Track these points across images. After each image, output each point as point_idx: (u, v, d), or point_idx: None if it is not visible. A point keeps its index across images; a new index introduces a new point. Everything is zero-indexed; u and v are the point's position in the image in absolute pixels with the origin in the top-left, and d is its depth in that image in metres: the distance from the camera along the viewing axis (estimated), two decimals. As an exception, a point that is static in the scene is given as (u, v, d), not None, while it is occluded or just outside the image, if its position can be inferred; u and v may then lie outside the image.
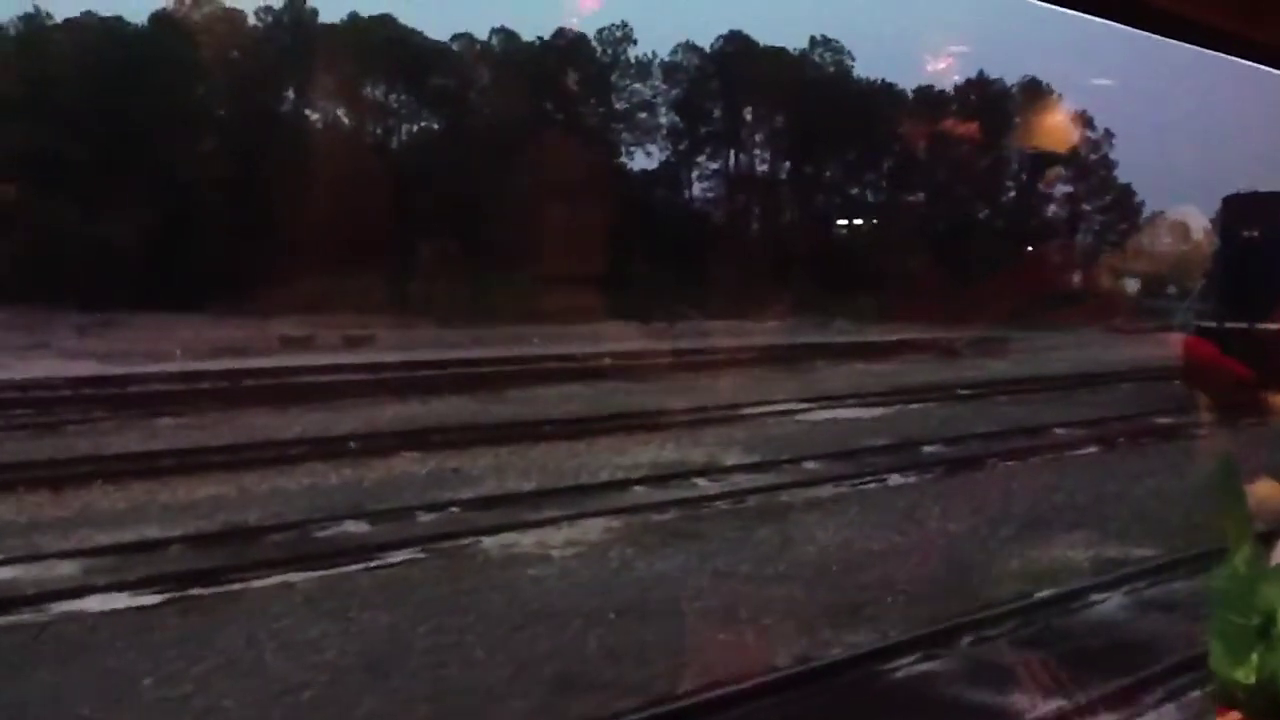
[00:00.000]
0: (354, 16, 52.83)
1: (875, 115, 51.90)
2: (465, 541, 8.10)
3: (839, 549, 7.95)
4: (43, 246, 34.72)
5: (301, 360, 22.06)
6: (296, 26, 53.95)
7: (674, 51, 50.78)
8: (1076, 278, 51.09)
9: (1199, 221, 15.82)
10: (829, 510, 9.35)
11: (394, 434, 12.92)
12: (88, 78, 43.66)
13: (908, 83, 53.24)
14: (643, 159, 52.81)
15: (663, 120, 51.73)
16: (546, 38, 49.18)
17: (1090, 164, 54.32)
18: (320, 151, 46.16)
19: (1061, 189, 52.61)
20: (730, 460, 11.77)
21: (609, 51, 51.63)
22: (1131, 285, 37.07)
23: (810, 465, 11.49)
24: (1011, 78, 53.90)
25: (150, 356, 23.25)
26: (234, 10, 49.64)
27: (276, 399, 16.09)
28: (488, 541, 8.10)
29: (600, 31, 51.12)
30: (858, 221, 54.41)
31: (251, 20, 52.05)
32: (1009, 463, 11.83)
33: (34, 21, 52.13)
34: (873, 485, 10.52)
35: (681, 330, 31.51)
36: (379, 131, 54.58)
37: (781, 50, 51.10)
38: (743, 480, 10.65)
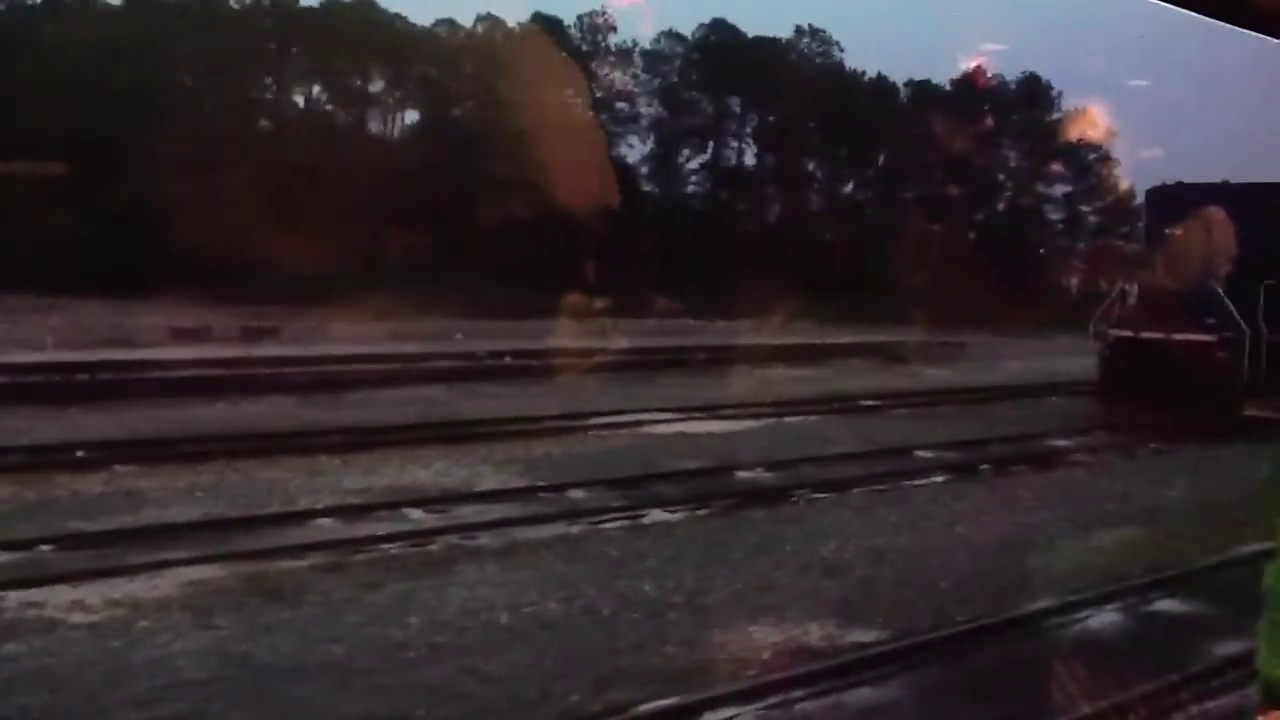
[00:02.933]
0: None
1: (866, 110, 49.71)
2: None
3: (452, 622, 6.02)
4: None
5: (164, 354, 20.35)
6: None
7: (655, 40, 48.86)
8: (1076, 280, 48.74)
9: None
10: (517, 559, 7.42)
11: (126, 443, 11.11)
12: (67, 57, 42.58)
13: (899, 76, 50.99)
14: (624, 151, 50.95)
15: (643, 110, 49.85)
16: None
17: (1096, 162, 51.82)
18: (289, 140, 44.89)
19: (1061, 188, 50.17)
20: (486, 484, 9.87)
21: (588, 39, 49.77)
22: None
23: (576, 494, 9.55)
24: (1013, 74, 51.59)
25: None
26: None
27: (65, 397, 14.41)
28: (15, 597, 6.23)
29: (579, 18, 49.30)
30: (848, 220, 52.16)
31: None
32: (819, 495, 9.83)
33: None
34: (617, 523, 8.56)
35: (619, 327, 29.58)
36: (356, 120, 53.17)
37: (769, 40, 49.02)
38: (466, 512, 8.74)
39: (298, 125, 50.63)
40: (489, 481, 10.01)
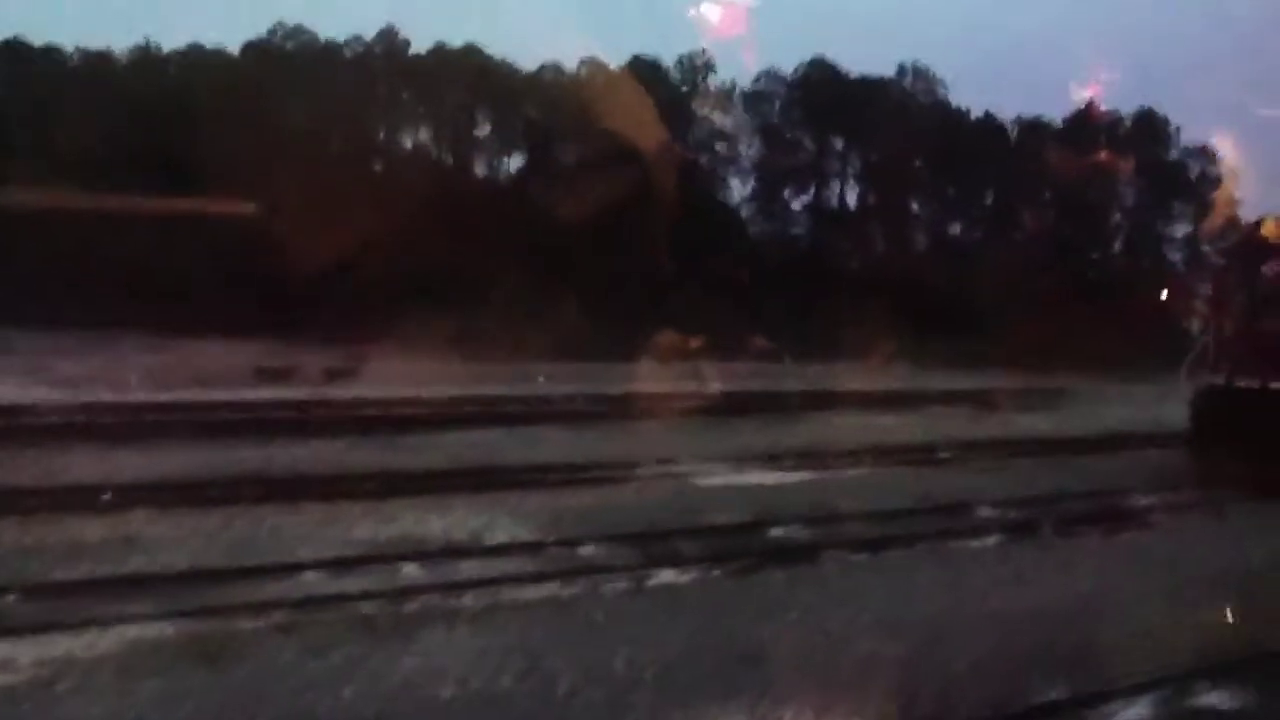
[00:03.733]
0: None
1: (973, 148, 48.38)
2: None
3: (387, 695, 5.50)
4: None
5: (239, 395, 20.54)
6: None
7: (756, 79, 48.45)
8: (1198, 322, 46.28)
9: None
10: (492, 623, 6.87)
11: (155, 485, 10.99)
12: (186, 106, 44.50)
13: (1007, 113, 49.55)
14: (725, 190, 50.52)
15: (743, 151, 49.43)
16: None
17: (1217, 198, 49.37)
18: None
19: (1179, 225, 47.89)
20: (498, 537, 9.37)
21: (689, 79, 49.63)
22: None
23: (588, 550, 8.97)
24: (1130, 108, 49.59)
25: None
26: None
27: (123, 437, 14.53)
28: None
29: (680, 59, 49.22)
30: (953, 260, 50.62)
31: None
32: (853, 556, 9.07)
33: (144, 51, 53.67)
34: (618, 583, 7.94)
35: (710, 370, 29.01)
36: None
37: (871, 79, 48.14)
38: (462, 569, 8.22)
39: (408, 167, 51.75)
40: (502, 534, 9.50)
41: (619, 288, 41.44)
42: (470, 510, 10.56)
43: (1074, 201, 49.08)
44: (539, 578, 7.98)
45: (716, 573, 8.35)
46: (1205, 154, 47.76)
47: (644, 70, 46.90)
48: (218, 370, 24.91)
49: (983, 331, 40.13)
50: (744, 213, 49.09)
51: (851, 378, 30.03)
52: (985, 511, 11.22)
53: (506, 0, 62.15)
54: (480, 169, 53.17)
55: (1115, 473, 14.09)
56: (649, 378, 28.03)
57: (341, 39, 51.97)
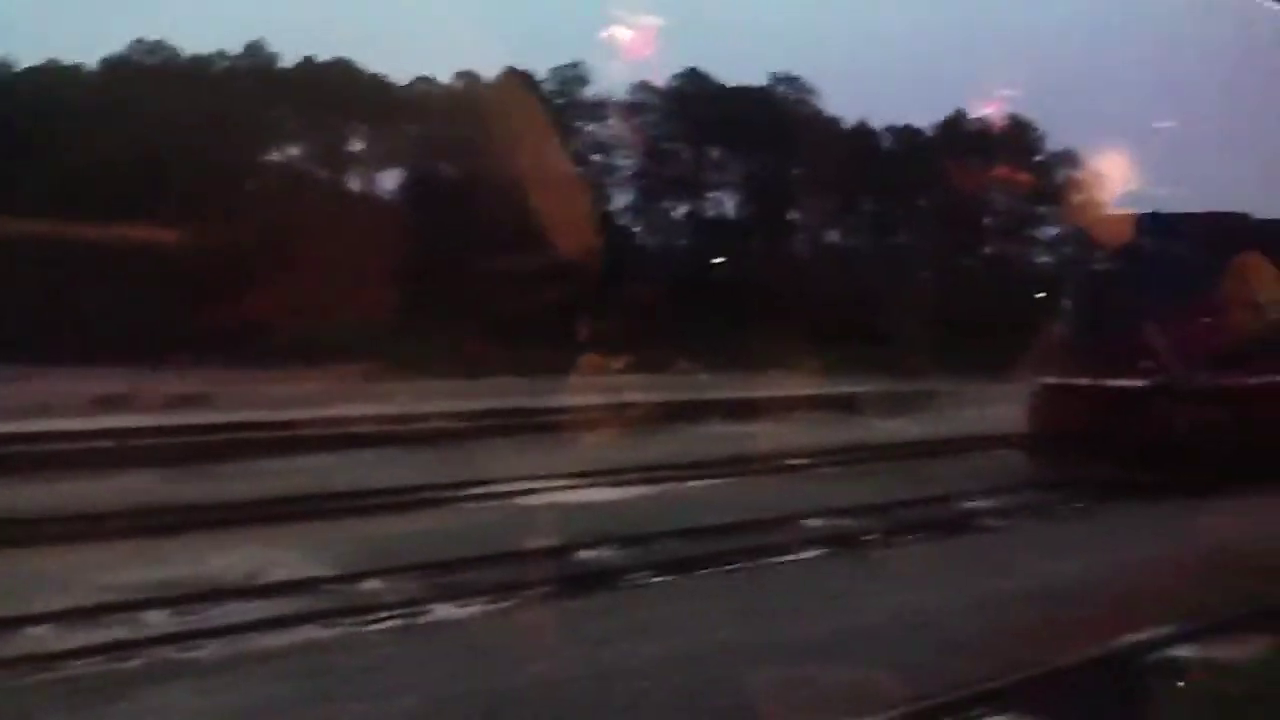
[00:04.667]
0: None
1: (848, 156, 48.65)
2: None
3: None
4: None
5: (67, 424, 19.19)
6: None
7: (631, 91, 47.99)
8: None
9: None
10: (219, 678, 6.12)
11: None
12: (41, 123, 42.46)
13: (879, 120, 50.00)
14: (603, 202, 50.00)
15: (620, 162, 48.97)
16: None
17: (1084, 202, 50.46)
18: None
19: (1050, 230, 48.76)
20: (278, 574, 8.58)
21: (563, 92, 49.03)
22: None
23: (371, 584, 8.26)
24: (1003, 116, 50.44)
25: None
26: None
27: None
28: None
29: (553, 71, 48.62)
30: (836, 268, 50.83)
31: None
32: (658, 579, 8.52)
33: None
34: (388, 622, 7.26)
35: (572, 384, 28.36)
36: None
37: (745, 88, 48.05)
38: (218, 614, 7.45)
39: (280, 184, 50.15)
40: (284, 571, 8.71)
41: (499, 302, 40.61)
42: (261, 545, 9.75)
43: (947, 207, 49.72)
44: (299, 620, 7.24)
45: (506, 604, 7.70)
46: (1073, 159, 48.77)
47: (518, 82, 46.17)
48: (52, 399, 23.44)
49: (869, 338, 40.22)
50: (623, 223, 48.59)
51: (729, 386, 29.78)
52: (814, 523, 10.79)
53: (381, 17, 60.84)
54: (354, 184, 51.84)
55: (960, 476, 13.83)
56: (522, 393, 27.37)
57: (206, 54, 50.20)
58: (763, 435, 19.41)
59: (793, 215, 52.16)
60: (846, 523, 10.76)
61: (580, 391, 26.18)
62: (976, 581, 8.23)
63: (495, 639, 6.91)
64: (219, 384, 26.77)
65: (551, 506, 11.96)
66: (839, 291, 44.14)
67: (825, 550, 9.58)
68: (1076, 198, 47.39)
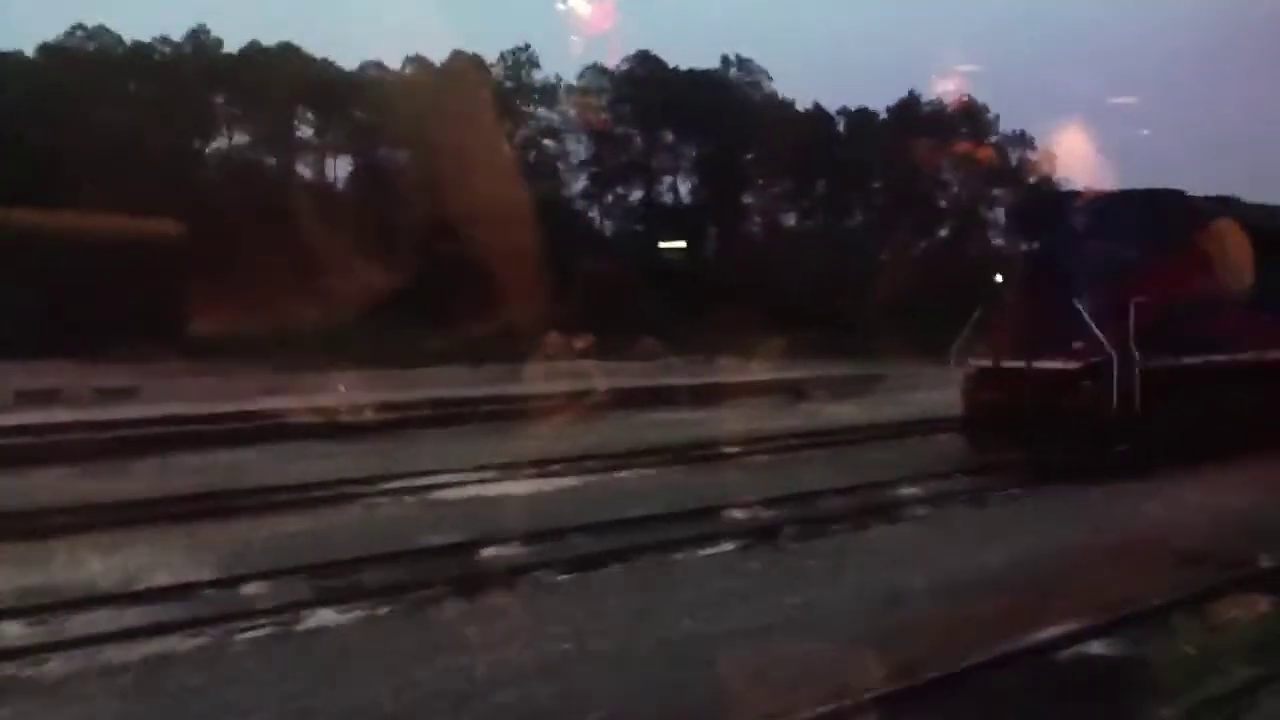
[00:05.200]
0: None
1: (803, 139, 48.29)
2: None
3: None
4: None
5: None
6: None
7: (581, 74, 47.40)
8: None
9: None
10: (55, 697, 5.67)
11: None
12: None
13: (835, 102, 49.66)
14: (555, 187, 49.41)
15: (571, 147, 48.38)
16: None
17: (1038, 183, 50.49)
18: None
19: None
20: (156, 579, 8.07)
21: (512, 75, 48.36)
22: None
23: (253, 588, 7.78)
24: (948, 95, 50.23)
25: None
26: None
27: None
28: None
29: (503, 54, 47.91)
30: (792, 251, 50.47)
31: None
32: (560, 577, 8.10)
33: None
34: (260, 630, 6.79)
35: (508, 373, 27.94)
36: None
37: (698, 72, 47.56)
38: (78, 623, 6.93)
39: (224, 172, 49.20)
40: (164, 575, 8.22)
41: (451, 289, 39.94)
42: (150, 546, 9.26)
43: (905, 189, 49.55)
44: (164, 630, 6.76)
45: (386, 609, 7.25)
46: (1025, 141, 48.79)
47: (467, 66, 45.49)
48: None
49: (825, 321, 39.91)
50: (577, 209, 48.04)
51: (678, 372, 29.46)
52: (736, 514, 10.41)
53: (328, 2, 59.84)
54: (302, 171, 50.94)
55: (896, 462, 13.51)
56: (469, 382, 26.94)
57: (148, 40, 49.08)
58: (706, 421, 19.10)
59: (747, 199, 51.78)
60: (769, 513, 10.39)
61: (530, 380, 25.77)
62: (887, 575, 7.89)
63: (368, 647, 6.46)
64: (152, 377, 26.11)
65: (468, 500, 11.53)
66: (795, 275, 43.85)
67: (742, 543, 9.20)
68: (1029, 177, 47.47)
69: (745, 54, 47.42)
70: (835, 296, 41.67)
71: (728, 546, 9.12)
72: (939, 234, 50.13)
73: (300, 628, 6.89)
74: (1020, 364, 12.03)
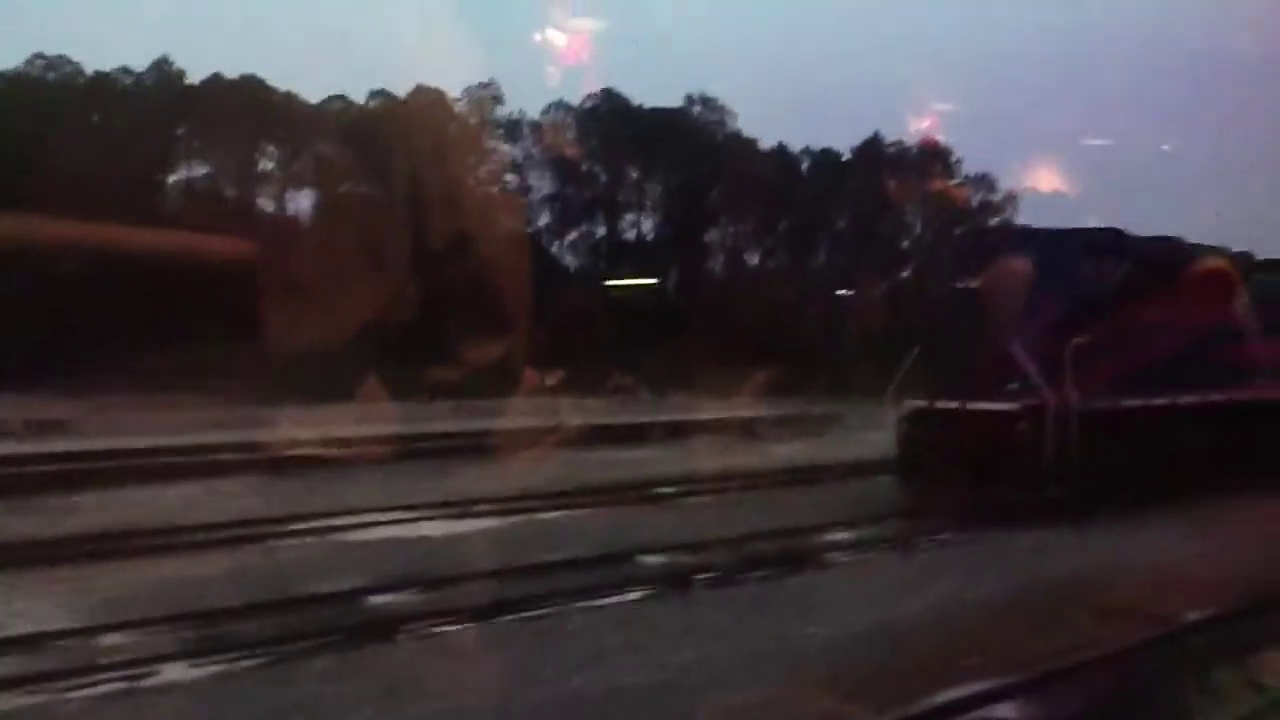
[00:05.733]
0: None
1: (767, 178, 48.28)
2: None
3: None
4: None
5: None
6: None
7: (545, 111, 47.21)
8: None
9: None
10: None
11: None
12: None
13: (797, 143, 49.66)
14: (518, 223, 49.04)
15: (534, 183, 48.09)
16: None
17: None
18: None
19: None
20: (17, 628, 7.53)
21: (475, 112, 48.09)
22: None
23: (110, 639, 7.25)
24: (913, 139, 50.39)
25: None
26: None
27: None
28: None
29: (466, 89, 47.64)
30: (758, 289, 50.23)
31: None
32: (442, 628, 7.61)
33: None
34: (97, 689, 6.26)
35: (452, 410, 27.49)
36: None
37: (661, 110, 47.46)
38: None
39: (184, 203, 48.53)
40: (25, 624, 7.66)
41: (418, 326, 39.40)
42: (24, 592, 8.73)
43: (867, 230, 49.58)
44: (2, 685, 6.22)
45: (245, 664, 6.73)
46: (987, 182, 48.96)
47: (430, 101, 45.22)
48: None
49: (785, 359, 39.57)
50: (540, 244, 47.64)
51: (642, 409, 29.10)
52: (652, 560, 9.96)
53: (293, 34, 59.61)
54: (263, 203, 50.34)
55: (829, 504, 13.12)
56: (423, 418, 26.45)
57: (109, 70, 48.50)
58: (652, 460, 18.66)
59: (710, 236, 51.63)
60: (687, 559, 9.94)
61: (486, 415, 25.28)
62: (793, 628, 7.45)
63: (211, 708, 5.94)
64: (89, 410, 25.48)
65: (378, 543, 11.02)
66: (758, 313, 43.60)
67: (651, 590, 8.73)
68: (990, 219, 47.58)
69: (710, 93, 47.32)
70: (798, 334, 41.48)
71: (635, 595, 8.66)
72: (901, 274, 50.08)
73: (146, 684, 6.36)
74: (955, 405, 11.67)
